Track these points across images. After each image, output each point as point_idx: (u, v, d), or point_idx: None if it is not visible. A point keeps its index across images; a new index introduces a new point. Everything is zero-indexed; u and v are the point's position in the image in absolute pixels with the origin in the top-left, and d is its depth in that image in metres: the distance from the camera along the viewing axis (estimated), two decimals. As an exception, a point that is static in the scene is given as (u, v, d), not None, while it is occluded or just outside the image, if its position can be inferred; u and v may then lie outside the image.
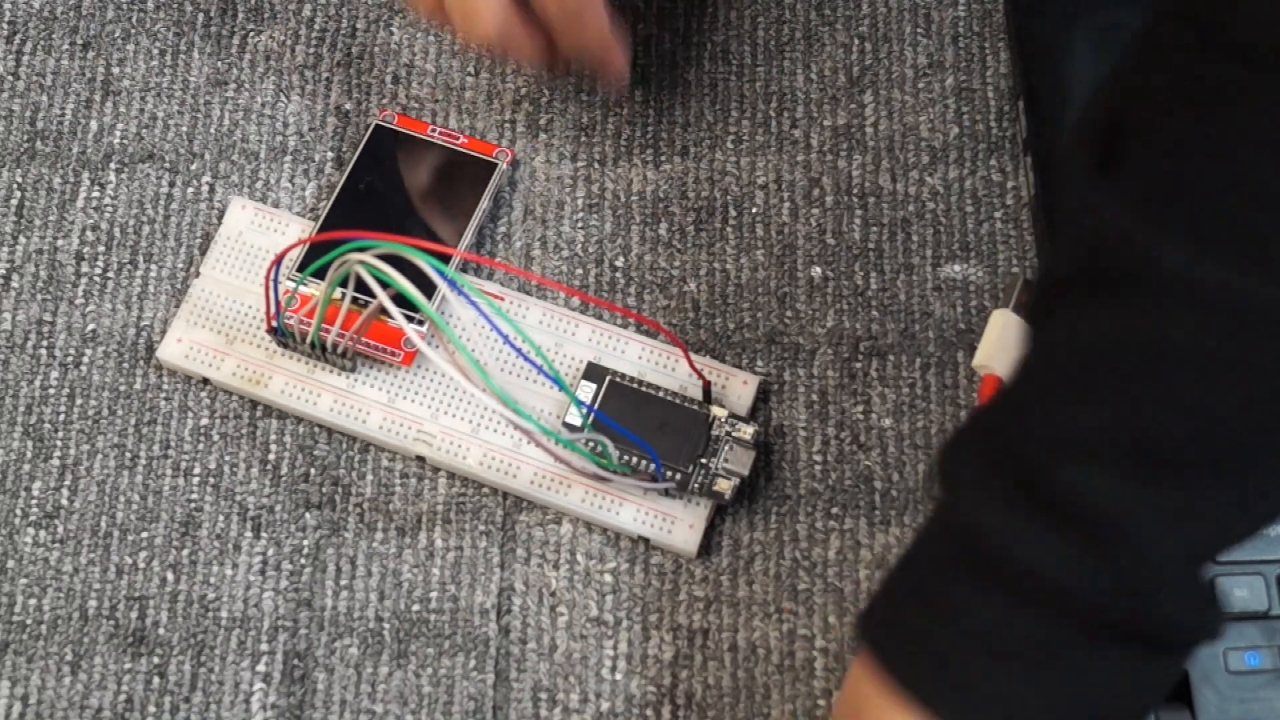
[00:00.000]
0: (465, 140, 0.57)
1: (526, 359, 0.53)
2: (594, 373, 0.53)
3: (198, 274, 0.56)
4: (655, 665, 0.51)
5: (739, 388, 0.53)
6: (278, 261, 0.51)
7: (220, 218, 0.57)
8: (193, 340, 0.55)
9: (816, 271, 0.56)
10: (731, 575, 0.52)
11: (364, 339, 0.53)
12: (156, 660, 0.52)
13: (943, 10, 0.59)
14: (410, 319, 0.52)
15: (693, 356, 0.53)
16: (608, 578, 0.52)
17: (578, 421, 0.52)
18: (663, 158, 0.58)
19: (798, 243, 0.56)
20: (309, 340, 0.53)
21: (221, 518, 0.53)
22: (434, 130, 0.57)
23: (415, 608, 0.52)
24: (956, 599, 0.40)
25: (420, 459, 0.53)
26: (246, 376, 0.54)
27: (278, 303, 0.53)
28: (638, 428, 0.51)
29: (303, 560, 0.53)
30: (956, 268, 0.56)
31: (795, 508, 0.52)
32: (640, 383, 0.53)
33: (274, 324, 0.53)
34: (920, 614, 0.41)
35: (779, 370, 0.54)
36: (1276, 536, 0.49)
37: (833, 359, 0.55)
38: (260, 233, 0.56)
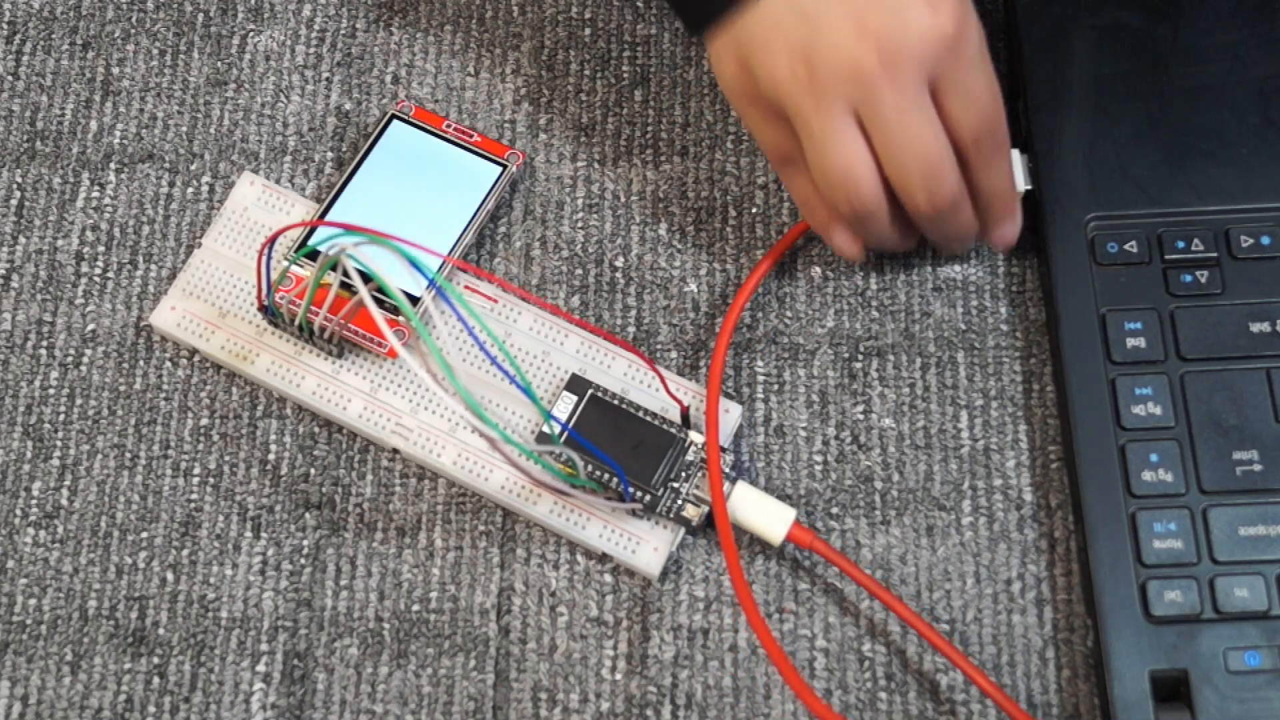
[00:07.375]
0: (479, 139, 0.57)
1: (499, 367, 0.53)
2: (576, 385, 0.52)
3: (199, 244, 0.56)
4: (655, 665, 0.51)
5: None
6: (271, 240, 0.51)
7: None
8: (186, 310, 0.55)
9: (816, 271, 0.56)
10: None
11: (351, 325, 0.53)
12: (156, 660, 0.52)
13: (943, 10, 0.59)
14: (396, 312, 0.52)
15: (682, 379, 0.53)
16: (608, 578, 0.52)
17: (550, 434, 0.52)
18: (663, 158, 0.58)
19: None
20: (296, 321, 0.53)
21: (221, 518, 0.53)
22: (449, 125, 0.57)
23: (415, 608, 0.52)
24: None
25: (395, 451, 0.53)
26: (234, 351, 0.54)
27: (269, 280, 0.53)
28: (612, 445, 0.51)
29: (303, 560, 0.53)
30: (956, 268, 0.56)
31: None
32: (622, 400, 0.52)
33: (264, 302, 0.53)
34: None
35: (779, 370, 0.54)
36: (1277, 536, 0.49)
37: (833, 359, 0.55)
38: (265, 210, 0.56)
